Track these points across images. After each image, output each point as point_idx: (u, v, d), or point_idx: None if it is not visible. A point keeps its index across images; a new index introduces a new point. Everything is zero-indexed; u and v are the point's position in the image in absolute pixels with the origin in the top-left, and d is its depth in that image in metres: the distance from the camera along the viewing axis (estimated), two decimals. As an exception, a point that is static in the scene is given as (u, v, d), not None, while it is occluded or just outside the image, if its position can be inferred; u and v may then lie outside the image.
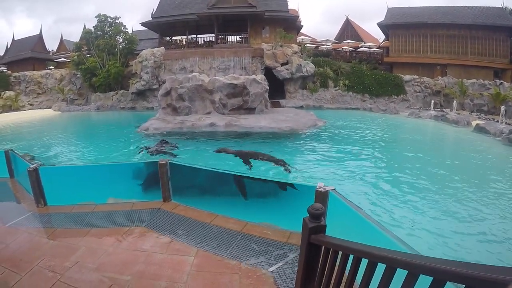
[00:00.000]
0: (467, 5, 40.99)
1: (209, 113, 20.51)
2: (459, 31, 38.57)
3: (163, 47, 36.32)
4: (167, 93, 21.18)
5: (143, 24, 40.17)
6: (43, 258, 5.21)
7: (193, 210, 7.03)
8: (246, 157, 12.26)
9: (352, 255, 2.71)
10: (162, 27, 39.54)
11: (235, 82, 20.85)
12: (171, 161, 7.46)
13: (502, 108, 26.13)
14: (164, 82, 24.43)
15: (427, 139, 20.30)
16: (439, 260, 1.82)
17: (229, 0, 37.13)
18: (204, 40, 39.97)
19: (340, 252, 2.90)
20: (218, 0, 37.12)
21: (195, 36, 40.39)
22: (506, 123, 23.94)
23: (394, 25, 40.33)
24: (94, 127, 24.85)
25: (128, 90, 34.97)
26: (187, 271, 4.81)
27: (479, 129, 21.14)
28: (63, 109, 35.33)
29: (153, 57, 33.84)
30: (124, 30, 38.99)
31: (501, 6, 41.23)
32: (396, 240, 3.89)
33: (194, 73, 22.67)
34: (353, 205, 4.84)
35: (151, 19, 39.13)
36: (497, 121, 24.84)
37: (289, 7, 40.47)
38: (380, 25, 41.66)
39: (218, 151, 13.11)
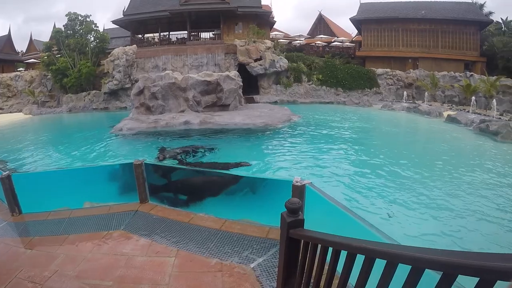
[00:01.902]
0: (438, 0, 42.09)
1: (183, 111, 20.37)
2: (430, 25, 39.51)
3: (135, 45, 35.50)
4: (140, 92, 20.89)
5: (114, 22, 39.45)
6: (22, 268, 5.10)
7: (171, 211, 6.99)
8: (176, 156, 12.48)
9: (331, 248, 2.72)
10: (134, 24, 38.85)
11: (208, 79, 20.75)
12: (146, 162, 7.36)
13: (473, 99, 27.05)
14: (136, 81, 24.17)
15: (400, 130, 20.80)
16: (416, 248, 1.86)
17: (201, -4, 37.00)
18: (176, 37, 39.55)
19: (320, 245, 2.90)
20: (191, -4, 36.97)
21: (167, 33, 39.98)
22: (476, 113, 24.75)
23: (366, 19, 40.96)
24: (66, 129, 24.28)
25: (100, 90, 34.01)
26: (168, 272, 4.79)
27: (451, 119, 21.78)
28: (34, 112, 34.07)
29: (125, 56, 33.03)
30: (95, 28, 37.78)
31: (471, 1, 42.69)
32: (373, 230, 4.00)
33: (167, 71, 22.61)
34: (330, 197, 4.93)
35: (122, 16, 38.51)
36: (468, 111, 25.67)
37: (262, 3, 40.43)
38: (353, 20, 42.16)
39: (162, 160, 12.86)
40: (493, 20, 43.27)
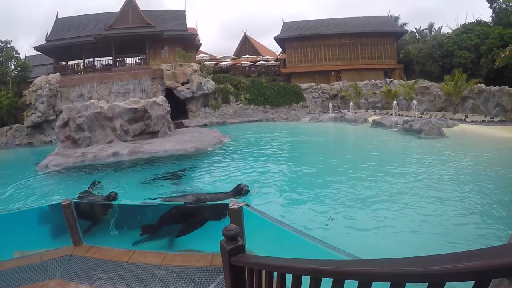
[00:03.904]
0: (356, 16, 45.37)
1: (111, 141, 19.81)
2: (350, 39, 42.17)
3: (58, 73, 33.93)
4: (65, 124, 19.93)
5: (36, 48, 37.68)
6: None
7: (108, 250, 6.65)
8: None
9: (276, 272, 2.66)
10: (57, 51, 37.42)
11: (135, 106, 20.38)
12: (75, 200, 7.09)
13: (394, 102, 29.36)
14: (61, 112, 23.19)
15: (330, 140, 21.93)
16: (360, 261, 2.01)
17: (127, 21, 36.71)
18: (101, 64, 38.75)
19: (264, 270, 2.83)
20: (116, 20, 36.57)
21: (92, 59, 39.02)
22: (399, 115, 26.81)
23: (289, 38, 42.81)
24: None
25: (23, 124, 31.57)
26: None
27: (376, 123, 23.45)
28: (-49, 152, 31.67)
29: (48, 85, 31.36)
30: (16, 55, 35.35)
31: (386, 15, 46.09)
32: (316, 242, 4.20)
33: (92, 100, 21.91)
34: (268, 216, 5.06)
35: (45, 42, 37.07)
36: (391, 114, 27.68)
37: (188, 26, 40.95)
38: (277, 38, 43.72)
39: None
40: (407, 30, 47.06)
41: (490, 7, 37.09)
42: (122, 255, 6.32)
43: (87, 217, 7.71)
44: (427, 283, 1.36)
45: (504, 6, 34.92)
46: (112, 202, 7.73)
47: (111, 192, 8.37)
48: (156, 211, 7.61)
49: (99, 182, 12.43)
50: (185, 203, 8.41)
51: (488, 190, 9.36)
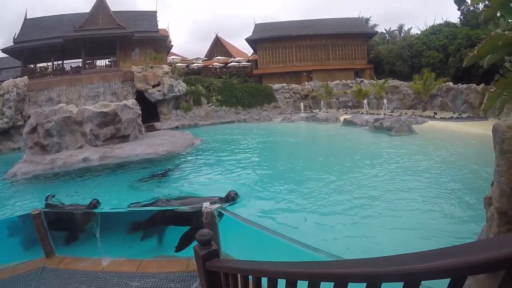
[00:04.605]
0: (327, 18, 45.99)
1: (81, 147, 19.22)
2: (321, 40, 42.64)
3: (26, 77, 32.34)
4: (33, 130, 19.13)
5: (3, 50, 36.64)
6: None
7: (81, 260, 6.49)
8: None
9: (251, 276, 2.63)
10: (25, 53, 36.37)
11: (105, 110, 19.91)
12: (45, 210, 6.92)
13: (365, 101, 29.98)
14: (29, 117, 22.57)
15: (302, 140, 21.97)
16: (337, 263, 1.98)
17: (97, 22, 36.11)
18: (71, 66, 37.81)
19: (239, 275, 2.78)
20: (86, 22, 35.91)
21: (61, 62, 38.18)
22: (370, 113, 27.43)
23: (261, 39, 43.04)
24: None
25: None
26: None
27: (347, 122, 23.80)
28: None
29: (15, 89, 30.11)
30: None
31: (357, 16, 46.96)
32: (292, 242, 4.18)
33: (61, 104, 21.31)
34: (244, 219, 5.06)
35: (13, 44, 36.04)
36: (362, 113, 28.34)
37: (159, 27, 40.70)
38: (248, 40, 43.85)
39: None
40: (377, 31, 47.98)
41: (459, 9, 38.52)
42: (97, 265, 6.18)
43: (67, 227, 7.53)
44: (403, 282, 1.35)
45: (472, 8, 36.03)
46: (94, 210, 7.49)
47: (92, 199, 8.13)
48: (141, 217, 7.46)
49: (53, 196, 12.13)
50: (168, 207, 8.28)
51: (457, 181, 9.64)
